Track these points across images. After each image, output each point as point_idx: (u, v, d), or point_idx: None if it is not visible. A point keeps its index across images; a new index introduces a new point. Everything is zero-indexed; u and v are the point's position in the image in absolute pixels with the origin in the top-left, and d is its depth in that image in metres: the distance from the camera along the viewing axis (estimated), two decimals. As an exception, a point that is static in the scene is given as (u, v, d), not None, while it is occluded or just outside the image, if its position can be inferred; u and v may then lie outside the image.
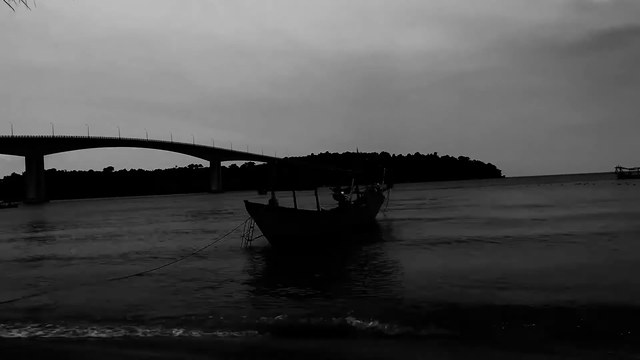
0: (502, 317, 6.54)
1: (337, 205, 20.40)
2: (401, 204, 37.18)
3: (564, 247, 12.76)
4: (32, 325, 7.51)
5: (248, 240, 15.28)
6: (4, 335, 7.11)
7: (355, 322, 6.62)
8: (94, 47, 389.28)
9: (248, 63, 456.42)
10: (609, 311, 6.71)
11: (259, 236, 15.45)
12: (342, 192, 21.28)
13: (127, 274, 11.47)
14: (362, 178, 26.23)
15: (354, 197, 22.90)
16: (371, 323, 6.51)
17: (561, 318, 6.51)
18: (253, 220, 15.19)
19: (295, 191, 18.07)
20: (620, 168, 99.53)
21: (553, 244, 13.35)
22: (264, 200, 16.37)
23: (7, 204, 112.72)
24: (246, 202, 15.16)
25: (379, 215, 25.36)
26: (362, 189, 25.58)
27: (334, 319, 6.80)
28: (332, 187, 21.07)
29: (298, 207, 17.38)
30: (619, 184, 66.58)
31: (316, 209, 18.51)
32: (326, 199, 20.43)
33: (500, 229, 17.54)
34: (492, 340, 5.92)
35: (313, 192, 18.52)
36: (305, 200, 18.06)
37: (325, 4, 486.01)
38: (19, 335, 7.13)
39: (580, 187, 62.62)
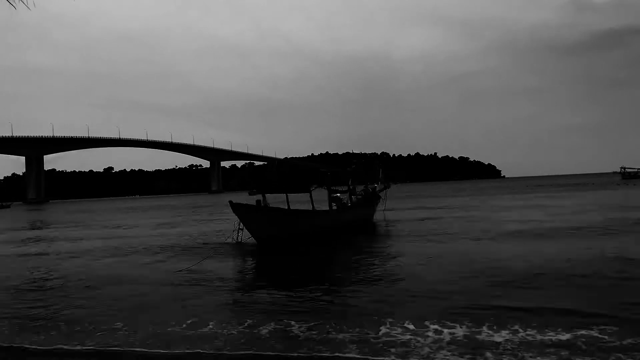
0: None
1: (334, 206, 20.21)
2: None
3: None
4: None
5: (235, 239, 15.35)
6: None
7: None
8: (95, 48, 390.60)
9: (248, 64, 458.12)
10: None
11: (249, 238, 15.35)
12: (338, 195, 21.04)
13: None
14: (359, 178, 25.99)
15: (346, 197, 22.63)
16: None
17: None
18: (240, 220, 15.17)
19: (289, 194, 17.69)
20: (625, 168, 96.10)
21: None
22: (254, 200, 16.24)
23: None
24: (231, 202, 15.12)
25: (376, 216, 25.10)
26: (360, 188, 25.34)
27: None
28: (326, 188, 20.85)
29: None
30: (618, 184, 65.86)
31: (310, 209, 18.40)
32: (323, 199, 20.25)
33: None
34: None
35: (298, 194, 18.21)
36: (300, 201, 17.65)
37: (324, 5, 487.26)
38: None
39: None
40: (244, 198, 18.93)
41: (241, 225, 15.26)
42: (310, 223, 17.10)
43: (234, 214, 15.40)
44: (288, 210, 16.59)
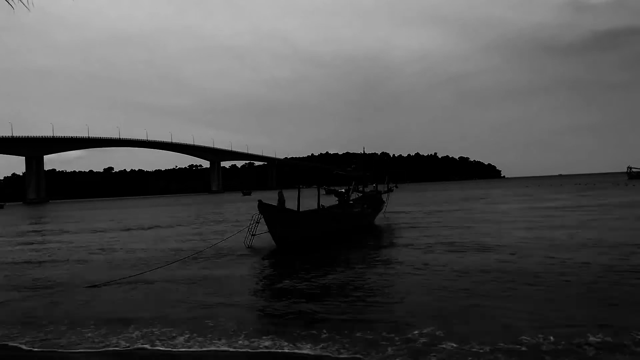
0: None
1: (337, 203, 20.30)
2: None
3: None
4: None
5: (252, 235, 15.49)
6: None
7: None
8: (95, 49, 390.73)
9: (247, 65, 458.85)
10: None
11: (265, 232, 15.40)
12: (343, 190, 21.13)
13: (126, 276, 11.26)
14: (363, 179, 25.83)
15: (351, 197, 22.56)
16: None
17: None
18: (260, 217, 15.19)
19: (284, 190, 17.98)
20: (631, 168, 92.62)
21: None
22: (250, 201, 16.18)
23: None
24: (260, 201, 15.20)
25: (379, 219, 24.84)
26: (367, 189, 25.19)
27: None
28: (324, 187, 20.91)
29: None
30: (618, 184, 64.85)
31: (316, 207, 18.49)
32: (325, 199, 20.22)
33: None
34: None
35: (297, 189, 18.31)
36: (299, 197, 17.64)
37: (322, 6, 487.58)
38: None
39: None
40: (245, 198, 18.89)
41: (260, 219, 15.35)
42: (325, 223, 17.29)
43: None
44: (307, 212, 16.87)
